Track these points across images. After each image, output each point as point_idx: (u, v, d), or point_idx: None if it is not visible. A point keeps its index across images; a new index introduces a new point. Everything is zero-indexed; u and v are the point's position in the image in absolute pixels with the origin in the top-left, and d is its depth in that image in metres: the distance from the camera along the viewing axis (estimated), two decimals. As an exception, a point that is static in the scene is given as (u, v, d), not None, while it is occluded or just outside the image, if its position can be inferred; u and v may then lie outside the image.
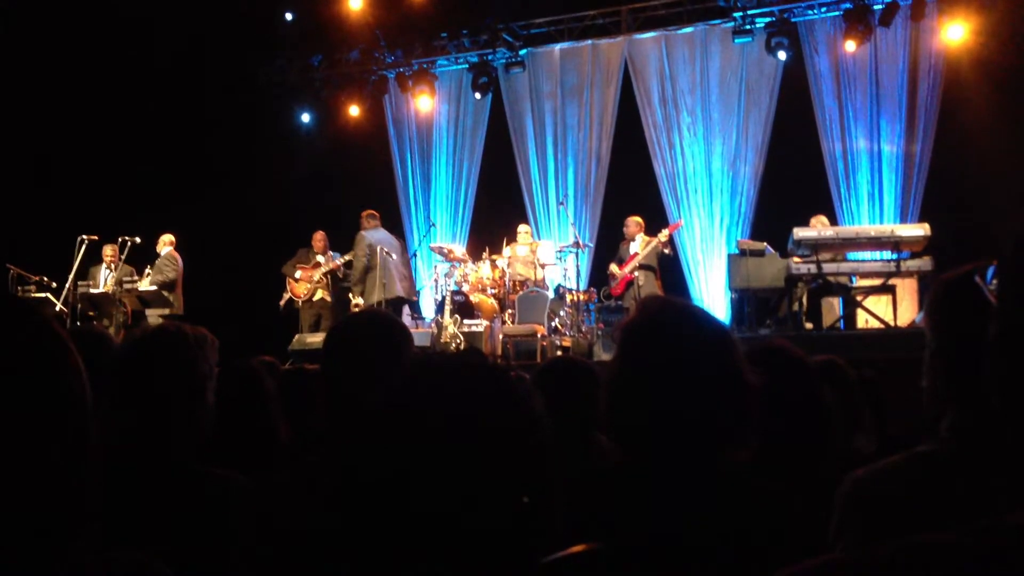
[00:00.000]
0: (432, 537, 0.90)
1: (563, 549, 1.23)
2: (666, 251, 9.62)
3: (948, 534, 0.68)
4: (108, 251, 9.46)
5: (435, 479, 0.90)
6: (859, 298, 7.82)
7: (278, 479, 1.79)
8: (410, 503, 0.90)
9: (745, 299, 8.47)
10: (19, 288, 8.60)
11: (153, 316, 9.40)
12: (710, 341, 1.30)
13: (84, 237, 8.85)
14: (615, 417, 1.33)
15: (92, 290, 9.11)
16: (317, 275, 9.99)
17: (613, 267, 9.74)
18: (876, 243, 8.02)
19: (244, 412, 2.24)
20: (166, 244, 9.58)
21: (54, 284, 8.86)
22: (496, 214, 11.61)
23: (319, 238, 10.21)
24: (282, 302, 10.09)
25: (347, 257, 9.93)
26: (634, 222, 9.73)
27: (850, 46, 10.19)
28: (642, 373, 1.28)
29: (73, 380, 0.91)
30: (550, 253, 10.23)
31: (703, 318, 1.35)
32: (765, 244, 8.39)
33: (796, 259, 7.77)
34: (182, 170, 10.74)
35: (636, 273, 9.42)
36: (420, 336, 9.05)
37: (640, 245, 9.56)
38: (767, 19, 10.60)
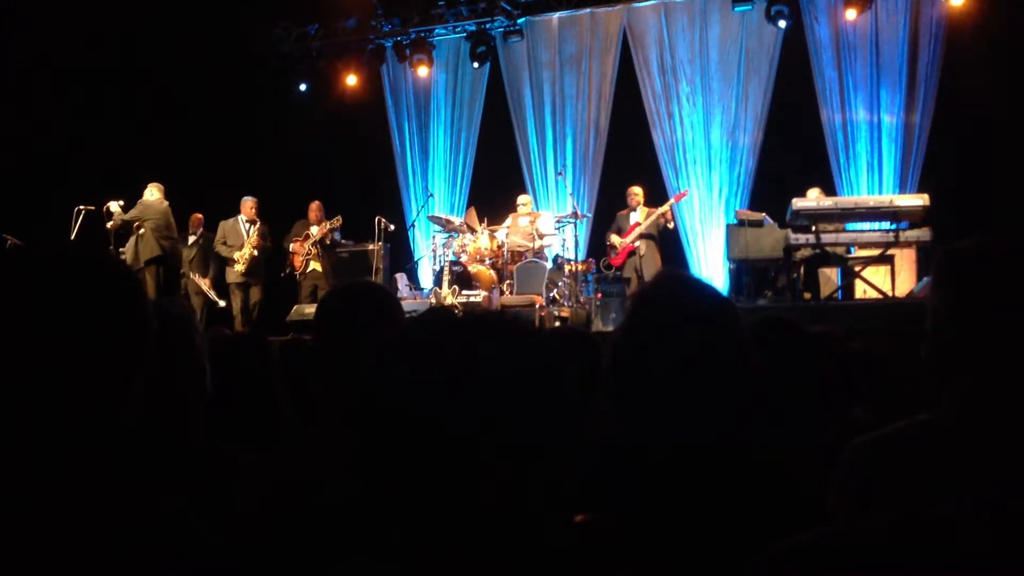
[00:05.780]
0: (445, 504, 0.88)
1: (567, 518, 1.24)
2: (669, 225, 9.62)
3: (944, 508, 0.69)
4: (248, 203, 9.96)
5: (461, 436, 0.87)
6: (857, 268, 7.82)
7: (282, 453, 1.80)
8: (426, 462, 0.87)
9: (743, 269, 8.47)
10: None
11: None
12: (719, 317, 1.30)
13: (81, 208, 8.84)
14: (616, 385, 1.34)
15: None
16: (307, 246, 9.97)
17: (613, 237, 9.72)
18: (875, 213, 8.01)
19: (250, 384, 2.24)
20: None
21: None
22: (494, 184, 11.58)
23: (314, 208, 10.14)
24: (284, 274, 10.11)
25: (336, 222, 9.91)
26: (637, 192, 9.74)
27: (850, 14, 10.11)
28: (647, 342, 1.28)
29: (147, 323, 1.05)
30: (550, 224, 10.21)
31: (713, 294, 1.36)
32: (764, 215, 8.38)
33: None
34: (177, 140, 10.68)
35: (638, 243, 9.43)
36: (418, 306, 9.06)
37: (642, 215, 9.55)
38: (767, -13, 10.50)
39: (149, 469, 1.29)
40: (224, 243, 9.97)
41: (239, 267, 9.79)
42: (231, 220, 10.02)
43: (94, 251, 1.04)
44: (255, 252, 9.84)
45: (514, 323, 0.94)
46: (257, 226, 9.96)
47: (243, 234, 9.94)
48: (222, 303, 10.11)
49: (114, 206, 9.05)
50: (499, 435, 0.87)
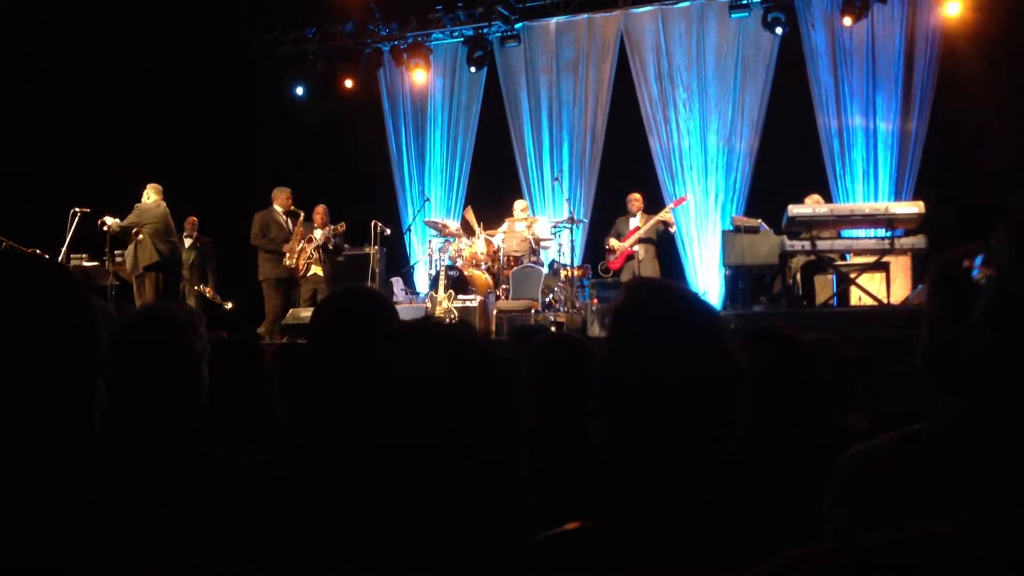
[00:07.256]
0: (419, 514, 0.89)
1: (540, 526, 1.24)
2: (671, 229, 9.66)
3: (942, 526, 0.68)
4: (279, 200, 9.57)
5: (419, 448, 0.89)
6: (852, 275, 7.83)
7: (273, 457, 1.80)
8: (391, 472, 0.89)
9: (739, 276, 8.48)
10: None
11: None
12: (701, 323, 1.30)
13: (77, 210, 8.81)
14: (608, 399, 1.33)
15: (85, 263, 9.11)
16: (308, 250, 9.90)
17: (612, 241, 9.76)
18: (870, 221, 8.02)
19: (242, 389, 2.24)
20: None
21: (47, 256, 8.82)
22: (491, 189, 11.58)
23: (319, 211, 10.03)
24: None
25: (340, 228, 9.86)
26: (637, 198, 9.78)
27: (847, 22, 10.14)
28: (633, 355, 1.28)
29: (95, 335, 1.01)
30: (546, 229, 10.22)
31: (693, 300, 1.36)
32: (759, 221, 8.39)
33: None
34: (174, 143, 10.66)
35: (636, 248, 9.47)
36: (414, 311, 9.05)
37: (641, 220, 9.61)
38: (764, -6, 10.54)
39: (115, 475, 1.29)
40: (263, 236, 9.47)
41: (289, 261, 9.40)
42: (266, 212, 9.53)
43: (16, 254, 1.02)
44: (305, 243, 9.49)
45: (462, 335, 0.96)
46: (301, 217, 9.53)
47: (286, 226, 9.52)
48: (228, 305, 10.04)
49: (109, 220, 9.01)
50: (450, 441, 0.89)
